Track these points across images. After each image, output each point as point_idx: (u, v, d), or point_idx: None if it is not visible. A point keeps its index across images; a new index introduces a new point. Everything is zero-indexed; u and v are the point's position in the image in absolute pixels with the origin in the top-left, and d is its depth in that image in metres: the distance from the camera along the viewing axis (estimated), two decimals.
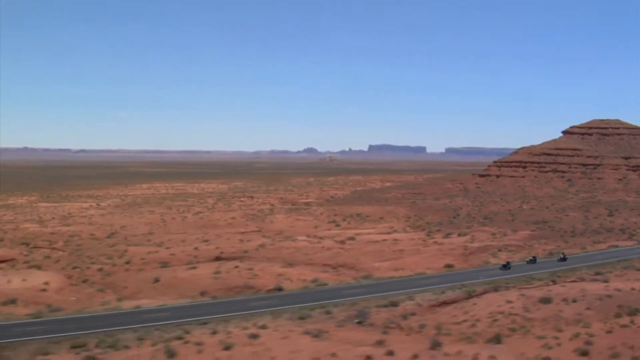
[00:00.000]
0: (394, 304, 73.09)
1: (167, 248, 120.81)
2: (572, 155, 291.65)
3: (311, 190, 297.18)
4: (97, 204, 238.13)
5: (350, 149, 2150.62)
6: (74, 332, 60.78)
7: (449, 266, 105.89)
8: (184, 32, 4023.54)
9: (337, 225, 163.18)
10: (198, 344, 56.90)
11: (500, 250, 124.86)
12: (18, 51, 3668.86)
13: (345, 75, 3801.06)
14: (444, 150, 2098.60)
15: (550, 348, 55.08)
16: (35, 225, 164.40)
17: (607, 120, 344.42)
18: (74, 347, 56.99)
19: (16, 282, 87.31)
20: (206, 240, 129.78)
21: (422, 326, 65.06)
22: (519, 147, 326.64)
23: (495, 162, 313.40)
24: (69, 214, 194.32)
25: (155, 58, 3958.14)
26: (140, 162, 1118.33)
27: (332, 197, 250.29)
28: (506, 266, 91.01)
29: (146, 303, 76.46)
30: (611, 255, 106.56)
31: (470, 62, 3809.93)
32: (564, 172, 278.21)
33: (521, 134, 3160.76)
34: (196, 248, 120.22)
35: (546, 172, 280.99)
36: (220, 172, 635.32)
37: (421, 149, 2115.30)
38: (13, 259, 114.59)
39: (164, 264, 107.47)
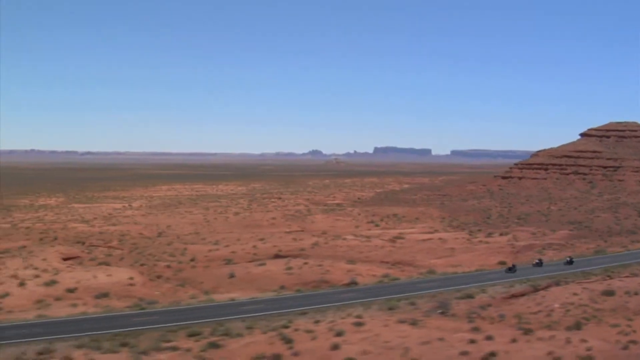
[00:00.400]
0: (470, 296, 76.99)
1: (226, 246, 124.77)
2: (592, 158, 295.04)
3: (335, 192, 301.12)
4: (129, 205, 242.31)
5: (355, 151, 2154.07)
6: (183, 322, 64.71)
7: (502, 263, 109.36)
8: (188, 35, 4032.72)
9: (377, 225, 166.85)
10: (308, 331, 60.77)
11: (544, 249, 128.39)
12: (24, 54, 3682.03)
13: (350, 77, 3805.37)
14: (449, 153, 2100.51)
15: (627, 334, 58.77)
16: (82, 225, 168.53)
17: (625, 122, 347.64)
18: (190, 335, 60.95)
19: (102, 277, 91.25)
20: (262, 239, 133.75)
21: (501, 316, 68.75)
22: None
23: (516, 164, 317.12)
24: (109, 214, 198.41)
25: (160, 61, 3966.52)
26: (149, 165, 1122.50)
27: (359, 198, 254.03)
28: (512, 269, 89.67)
29: (234, 296, 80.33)
30: None
31: (476, 65, 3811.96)
32: (585, 174, 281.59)
33: (526, 137, 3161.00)
34: (254, 246, 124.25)
35: (567, 174, 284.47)
36: (232, 174, 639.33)
37: (426, 152, 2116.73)
38: (78, 257, 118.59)
39: (228, 261, 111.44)
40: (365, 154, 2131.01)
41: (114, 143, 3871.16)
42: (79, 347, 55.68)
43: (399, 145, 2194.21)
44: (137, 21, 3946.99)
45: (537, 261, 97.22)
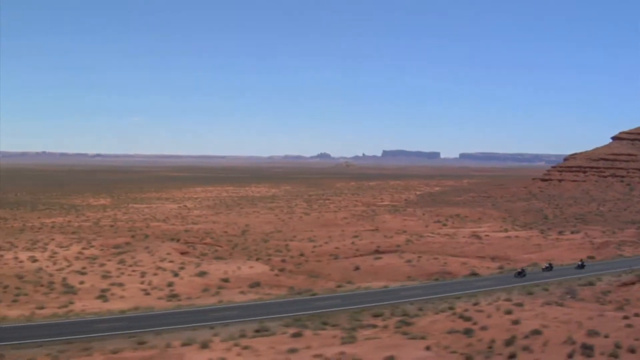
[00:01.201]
0: (591, 283, 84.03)
1: (326, 242, 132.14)
2: (628, 161, 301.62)
3: (380, 194, 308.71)
4: (184, 205, 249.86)
5: (363, 154, 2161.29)
6: (359, 305, 71.97)
7: (591, 257, 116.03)
8: (196, 39, 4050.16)
9: (444, 225, 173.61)
10: (478, 311, 67.77)
11: (620, 245, 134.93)
12: (35, 58, 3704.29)
13: (358, 80, 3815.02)
14: (457, 156, 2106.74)
15: None
16: (162, 224, 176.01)
17: None
18: (375, 315, 68.27)
19: (244, 269, 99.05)
20: (356, 236, 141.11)
21: (627, 300, 75.34)
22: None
23: (554, 167, 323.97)
24: (178, 213, 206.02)
25: (169, 65, 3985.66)
26: (163, 167, 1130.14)
27: (405, 200, 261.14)
28: (521, 273, 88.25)
29: (372, 285, 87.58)
30: None
31: (485, 68, 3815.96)
32: (622, 176, 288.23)
33: (534, 140, 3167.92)
34: (352, 242, 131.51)
35: (605, 176, 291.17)
36: (250, 177, 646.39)
37: (435, 155, 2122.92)
38: (187, 252, 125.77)
39: (335, 256, 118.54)
40: (374, 157, 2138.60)
41: (123, 145, 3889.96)
42: (287, 325, 62.78)
43: (408, 149, 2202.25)
44: (147, 25, 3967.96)
45: (546, 265, 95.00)
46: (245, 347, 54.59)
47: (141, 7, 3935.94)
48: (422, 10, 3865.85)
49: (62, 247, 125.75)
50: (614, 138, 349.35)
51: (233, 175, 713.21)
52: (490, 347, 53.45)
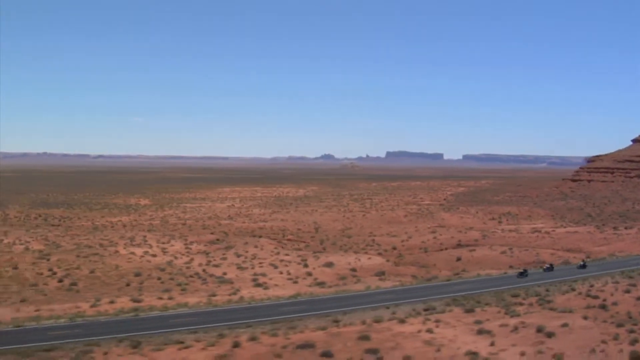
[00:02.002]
0: None
1: (410, 238, 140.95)
2: None
3: (414, 194, 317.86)
4: (232, 205, 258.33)
5: (367, 156, 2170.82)
6: (491, 288, 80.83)
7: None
8: (199, 40, 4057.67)
9: (500, 222, 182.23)
10: (600, 290, 76.50)
11: None
12: (36, 59, 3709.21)
13: (362, 82, 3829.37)
14: (461, 157, 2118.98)
15: None
16: (231, 222, 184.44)
17: None
18: (513, 296, 76.68)
19: (364, 260, 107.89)
20: (433, 232, 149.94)
21: None
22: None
23: (582, 168, 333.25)
24: (239, 212, 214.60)
25: (172, 66, 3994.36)
26: (172, 168, 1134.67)
27: (445, 199, 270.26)
28: (523, 273, 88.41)
29: (493, 273, 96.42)
30: None
31: (489, 70, 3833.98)
32: None
33: (536, 142, 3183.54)
34: (435, 237, 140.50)
35: (632, 177, 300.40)
36: (264, 177, 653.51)
37: (438, 156, 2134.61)
38: (281, 247, 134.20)
39: (424, 249, 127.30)
40: (378, 158, 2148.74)
41: (126, 146, 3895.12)
42: (448, 304, 71.27)
43: (411, 150, 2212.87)
44: (150, 26, 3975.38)
45: (547, 266, 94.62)
46: (437, 321, 63.08)
47: (144, 8, 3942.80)
48: (424, 12, 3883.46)
49: (162, 243, 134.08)
50: (634, 141, 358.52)
51: (247, 176, 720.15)
52: (630, 317, 61.99)
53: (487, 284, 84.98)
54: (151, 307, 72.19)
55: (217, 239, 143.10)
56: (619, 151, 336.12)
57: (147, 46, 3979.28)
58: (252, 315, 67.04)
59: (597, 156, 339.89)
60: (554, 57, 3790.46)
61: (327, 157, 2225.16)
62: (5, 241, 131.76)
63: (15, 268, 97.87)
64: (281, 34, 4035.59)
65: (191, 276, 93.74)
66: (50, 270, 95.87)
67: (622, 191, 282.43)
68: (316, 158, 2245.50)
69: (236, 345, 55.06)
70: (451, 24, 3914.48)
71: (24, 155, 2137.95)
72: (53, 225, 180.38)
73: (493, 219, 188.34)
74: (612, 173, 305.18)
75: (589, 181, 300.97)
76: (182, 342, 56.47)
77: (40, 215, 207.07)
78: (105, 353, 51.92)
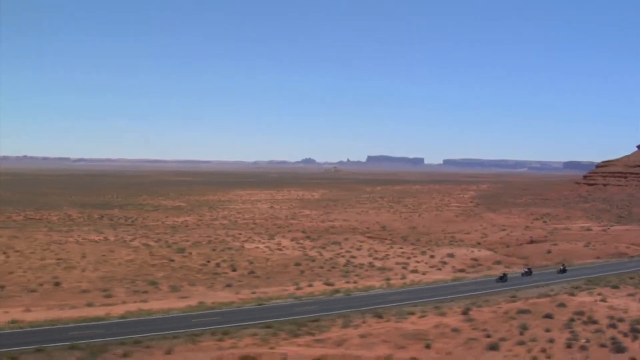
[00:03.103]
0: None
1: (485, 235, 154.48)
2: None
3: (442, 197, 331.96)
4: (272, 206, 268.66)
5: (348, 160, 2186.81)
6: (611, 272, 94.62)
7: None
8: (180, 43, 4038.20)
9: (545, 222, 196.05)
10: None
11: None
12: (17, 60, 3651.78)
13: (343, 86, 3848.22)
14: (441, 162, 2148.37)
15: None
16: (294, 221, 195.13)
17: None
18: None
19: (466, 252, 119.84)
20: (504, 229, 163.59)
21: None
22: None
23: (593, 172, 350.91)
24: (294, 213, 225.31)
25: (153, 68, 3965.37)
26: (158, 172, 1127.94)
27: (471, 202, 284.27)
28: (503, 278, 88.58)
29: (597, 262, 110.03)
30: None
31: (470, 75, 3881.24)
32: None
33: (517, 146, 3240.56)
34: (508, 234, 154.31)
35: None
36: (258, 182, 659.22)
37: (419, 160, 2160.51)
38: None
39: (505, 245, 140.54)
40: (358, 162, 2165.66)
41: (106, 150, 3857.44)
42: (598, 285, 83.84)
43: (392, 154, 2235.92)
44: (131, 28, 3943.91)
45: (526, 270, 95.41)
46: (600, 294, 75.98)
47: (125, 11, 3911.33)
48: (406, 17, 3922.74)
49: (267, 240, 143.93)
50: (639, 147, 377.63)
51: (242, 180, 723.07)
52: None
53: (605, 269, 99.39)
54: (347, 289, 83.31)
55: (308, 236, 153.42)
56: (628, 156, 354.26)
57: (128, 49, 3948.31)
58: (448, 292, 79.14)
59: (609, 161, 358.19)
60: (535, 63, 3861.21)
61: (308, 161, 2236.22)
62: (128, 239, 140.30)
63: (172, 260, 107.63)
64: (262, 37, 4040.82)
65: (344, 266, 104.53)
66: (209, 261, 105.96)
67: (637, 194, 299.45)
68: (297, 162, 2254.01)
69: (465, 312, 67.16)
70: (432, 29, 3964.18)
71: (4, 158, 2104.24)
72: (128, 225, 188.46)
73: (537, 219, 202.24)
74: (626, 177, 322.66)
75: (604, 185, 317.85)
76: (412, 313, 68.12)
77: (102, 216, 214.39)
78: (364, 322, 63.37)
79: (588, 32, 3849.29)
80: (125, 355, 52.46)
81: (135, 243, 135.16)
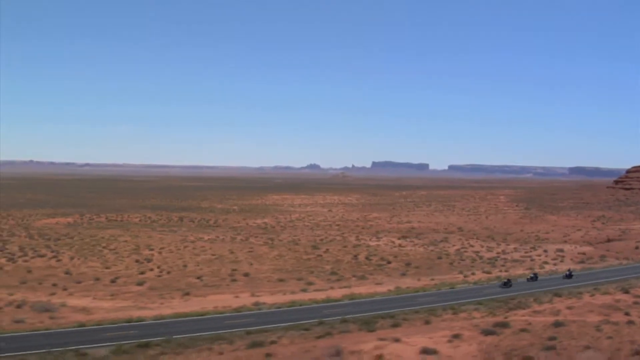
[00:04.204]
0: None
1: (565, 235, 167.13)
2: None
3: (478, 202, 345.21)
4: (330, 210, 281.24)
5: (353, 166, 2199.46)
6: None
7: None
8: (187, 49, 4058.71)
9: (604, 223, 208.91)
10: None
11: None
12: (22, 67, 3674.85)
13: (348, 92, 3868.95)
14: (446, 167, 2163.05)
15: None
16: (371, 223, 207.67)
17: None
18: None
19: (569, 247, 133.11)
20: (579, 230, 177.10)
21: None
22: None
23: (625, 177, 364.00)
24: (362, 216, 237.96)
25: (157, 74, 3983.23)
26: (168, 177, 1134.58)
27: (517, 205, 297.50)
28: (507, 283, 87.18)
29: None
30: None
31: (474, 82, 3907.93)
32: None
33: (520, 152, 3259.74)
34: (585, 234, 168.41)
35: None
36: (274, 186, 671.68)
37: (424, 166, 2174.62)
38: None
39: (589, 243, 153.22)
40: (363, 168, 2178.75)
41: (112, 155, 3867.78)
42: None
43: (397, 160, 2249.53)
44: (137, 34, 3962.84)
45: (531, 275, 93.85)
46: None
47: (131, 17, 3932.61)
48: (411, 24, 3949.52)
49: (376, 239, 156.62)
50: None
51: (254, 185, 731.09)
52: None
53: None
54: (508, 276, 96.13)
55: (405, 236, 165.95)
56: None
57: (135, 54, 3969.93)
58: (601, 277, 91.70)
59: (637, 166, 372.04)
60: (538, 70, 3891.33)
61: (313, 167, 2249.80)
62: (239, 239, 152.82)
63: (320, 255, 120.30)
64: (268, 43, 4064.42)
65: (480, 258, 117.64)
66: (356, 255, 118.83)
67: None
68: (302, 168, 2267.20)
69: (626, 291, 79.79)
70: (437, 36, 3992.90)
71: (11, 163, 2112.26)
72: (215, 226, 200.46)
73: (594, 220, 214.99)
74: None
75: None
76: (597, 291, 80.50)
77: (182, 218, 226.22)
78: (550, 301, 75.67)
79: (591, 39, 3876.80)
80: (394, 325, 63.65)
81: (256, 241, 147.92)
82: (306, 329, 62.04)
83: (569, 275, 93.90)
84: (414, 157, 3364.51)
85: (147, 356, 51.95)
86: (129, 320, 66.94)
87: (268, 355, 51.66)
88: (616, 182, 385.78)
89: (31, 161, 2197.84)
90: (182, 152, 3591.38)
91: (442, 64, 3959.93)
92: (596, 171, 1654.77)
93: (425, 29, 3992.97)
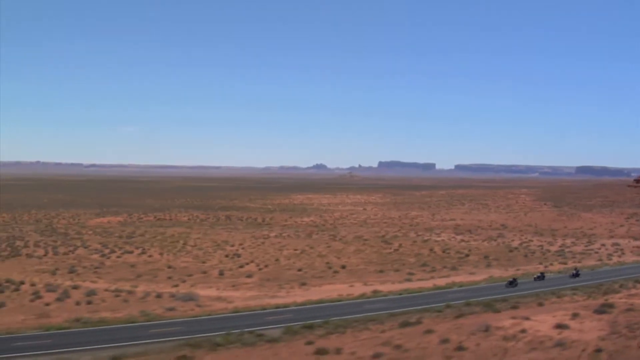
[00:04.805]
0: None
1: (611, 230, 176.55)
2: None
3: (503, 201, 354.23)
4: (364, 209, 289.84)
5: (360, 165, 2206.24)
6: None
7: None
8: (190, 49, 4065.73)
9: (638, 220, 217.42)
10: None
11: None
12: (28, 68, 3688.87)
13: (355, 92, 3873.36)
14: (453, 167, 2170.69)
15: None
16: (417, 221, 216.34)
17: None
18: None
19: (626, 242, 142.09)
20: (622, 226, 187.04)
21: None
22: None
23: None
24: (403, 214, 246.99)
25: (163, 75, 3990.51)
26: (176, 177, 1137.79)
27: (545, 203, 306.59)
28: (513, 283, 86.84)
29: None
30: None
31: (480, 81, 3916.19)
32: None
33: (526, 151, 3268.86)
34: (629, 229, 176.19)
35: None
36: (290, 187, 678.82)
37: (430, 166, 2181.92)
38: None
39: (634, 237, 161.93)
40: (370, 168, 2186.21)
41: (116, 155, 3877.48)
42: None
43: (403, 160, 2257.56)
44: (142, 34, 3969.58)
45: (538, 275, 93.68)
46: None
47: (134, 17, 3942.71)
48: (416, 24, 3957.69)
49: (432, 234, 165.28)
50: None
51: (268, 185, 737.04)
52: None
53: None
54: (583, 266, 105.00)
55: (459, 232, 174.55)
56: None
57: (140, 55, 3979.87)
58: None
59: None
60: (544, 69, 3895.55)
61: (319, 167, 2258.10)
62: (303, 235, 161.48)
63: (397, 250, 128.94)
64: (273, 44, 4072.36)
65: (544, 252, 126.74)
66: (431, 249, 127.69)
67: None
68: (308, 168, 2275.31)
69: None
70: (443, 36, 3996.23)
71: (17, 163, 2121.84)
72: (266, 224, 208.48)
73: (628, 218, 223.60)
74: None
75: None
76: None
77: (229, 217, 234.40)
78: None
79: (595, 38, 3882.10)
80: (513, 307, 71.66)
81: (319, 237, 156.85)
82: (439, 311, 70.37)
83: (576, 274, 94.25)
84: (421, 157, 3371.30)
85: (316, 335, 60.08)
86: (276, 307, 75.07)
87: (428, 331, 59.84)
88: (637, 180, 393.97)
89: (37, 162, 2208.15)
90: (187, 152, 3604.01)
91: (447, 65, 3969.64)
92: (604, 170, 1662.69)
93: (430, 29, 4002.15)
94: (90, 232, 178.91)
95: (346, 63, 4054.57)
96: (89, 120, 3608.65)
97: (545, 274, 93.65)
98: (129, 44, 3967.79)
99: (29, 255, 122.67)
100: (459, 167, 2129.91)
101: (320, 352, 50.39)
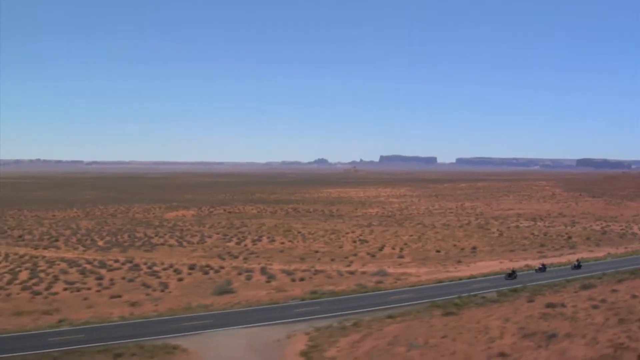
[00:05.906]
0: None
1: None
2: None
3: (527, 194, 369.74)
4: (412, 201, 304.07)
5: (361, 160, 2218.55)
6: None
7: None
8: (192, 45, 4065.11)
9: None
10: None
11: None
12: (29, 65, 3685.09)
13: (355, 86, 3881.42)
14: (454, 161, 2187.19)
15: None
16: (471, 211, 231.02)
17: None
18: None
19: None
20: None
21: None
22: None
23: None
24: (457, 206, 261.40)
25: (164, 71, 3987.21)
26: (183, 173, 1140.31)
27: (580, 194, 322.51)
28: (512, 275, 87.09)
29: None
30: None
31: (481, 74, 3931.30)
32: None
33: (527, 144, 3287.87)
34: None
35: None
36: (300, 182, 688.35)
37: (432, 160, 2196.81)
38: None
39: None
40: (371, 162, 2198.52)
41: (118, 153, 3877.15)
42: None
43: (405, 154, 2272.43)
44: (142, 32, 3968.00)
45: (540, 266, 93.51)
46: None
47: (135, 14, 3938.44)
48: (417, 17, 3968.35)
49: (510, 222, 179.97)
50: None
51: (279, 180, 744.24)
52: None
53: None
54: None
55: (532, 220, 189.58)
56: None
57: (140, 52, 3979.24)
58: None
59: None
60: (546, 62, 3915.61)
61: (321, 161, 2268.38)
62: (393, 231, 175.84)
63: (501, 234, 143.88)
64: (273, 39, 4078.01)
65: (625, 235, 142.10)
66: (532, 233, 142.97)
67: None
68: (310, 162, 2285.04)
69: None
70: (444, 29, 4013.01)
71: (17, 162, 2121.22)
72: (339, 216, 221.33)
73: None
74: None
75: None
76: None
77: (296, 209, 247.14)
78: None
79: (596, 30, 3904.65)
80: None
81: (409, 225, 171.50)
82: (613, 276, 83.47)
83: (578, 266, 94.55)
84: (422, 151, 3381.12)
85: (522, 297, 74.43)
86: (459, 279, 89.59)
87: (614, 291, 74.25)
88: None
89: (38, 160, 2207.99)
90: (188, 148, 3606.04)
91: (448, 57, 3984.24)
92: (604, 163, 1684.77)
93: (429, 21, 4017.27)
94: (180, 223, 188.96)
95: (348, 58, 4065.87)
96: (89, 117, 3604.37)
97: None
98: (130, 41, 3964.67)
99: (171, 245, 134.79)
100: (460, 161, 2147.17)
101: (549, 305, 64.47)
